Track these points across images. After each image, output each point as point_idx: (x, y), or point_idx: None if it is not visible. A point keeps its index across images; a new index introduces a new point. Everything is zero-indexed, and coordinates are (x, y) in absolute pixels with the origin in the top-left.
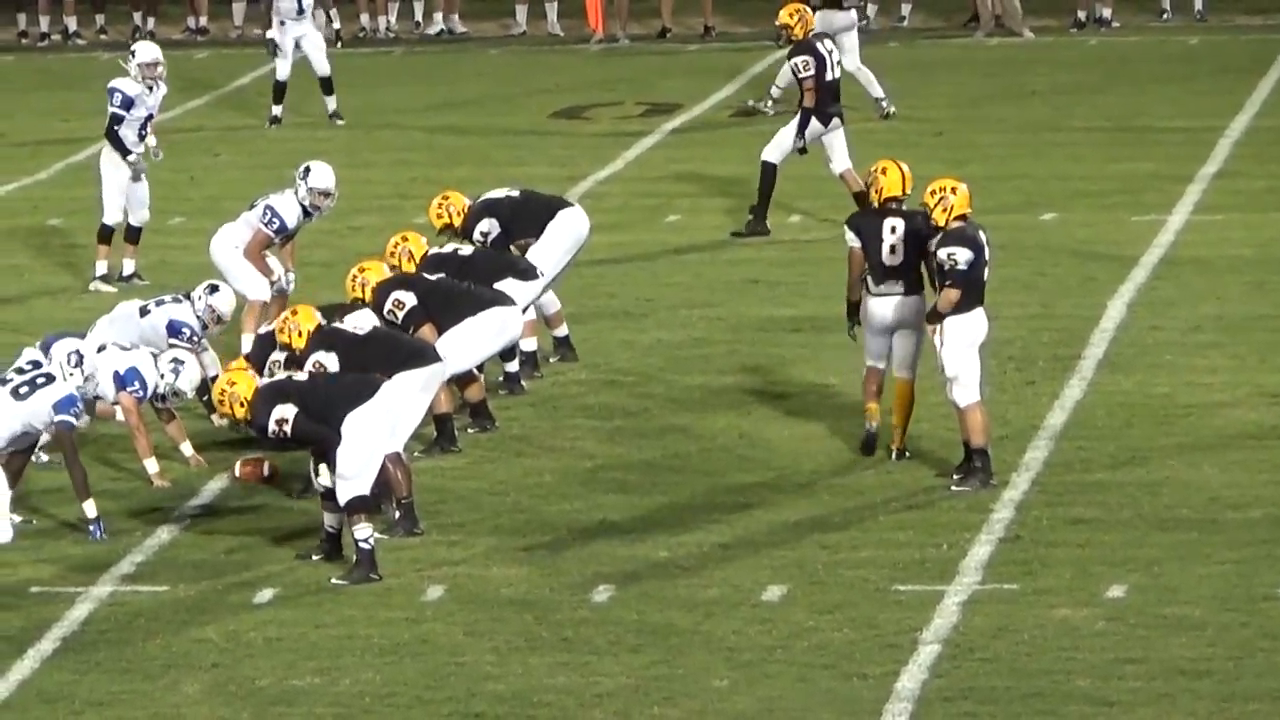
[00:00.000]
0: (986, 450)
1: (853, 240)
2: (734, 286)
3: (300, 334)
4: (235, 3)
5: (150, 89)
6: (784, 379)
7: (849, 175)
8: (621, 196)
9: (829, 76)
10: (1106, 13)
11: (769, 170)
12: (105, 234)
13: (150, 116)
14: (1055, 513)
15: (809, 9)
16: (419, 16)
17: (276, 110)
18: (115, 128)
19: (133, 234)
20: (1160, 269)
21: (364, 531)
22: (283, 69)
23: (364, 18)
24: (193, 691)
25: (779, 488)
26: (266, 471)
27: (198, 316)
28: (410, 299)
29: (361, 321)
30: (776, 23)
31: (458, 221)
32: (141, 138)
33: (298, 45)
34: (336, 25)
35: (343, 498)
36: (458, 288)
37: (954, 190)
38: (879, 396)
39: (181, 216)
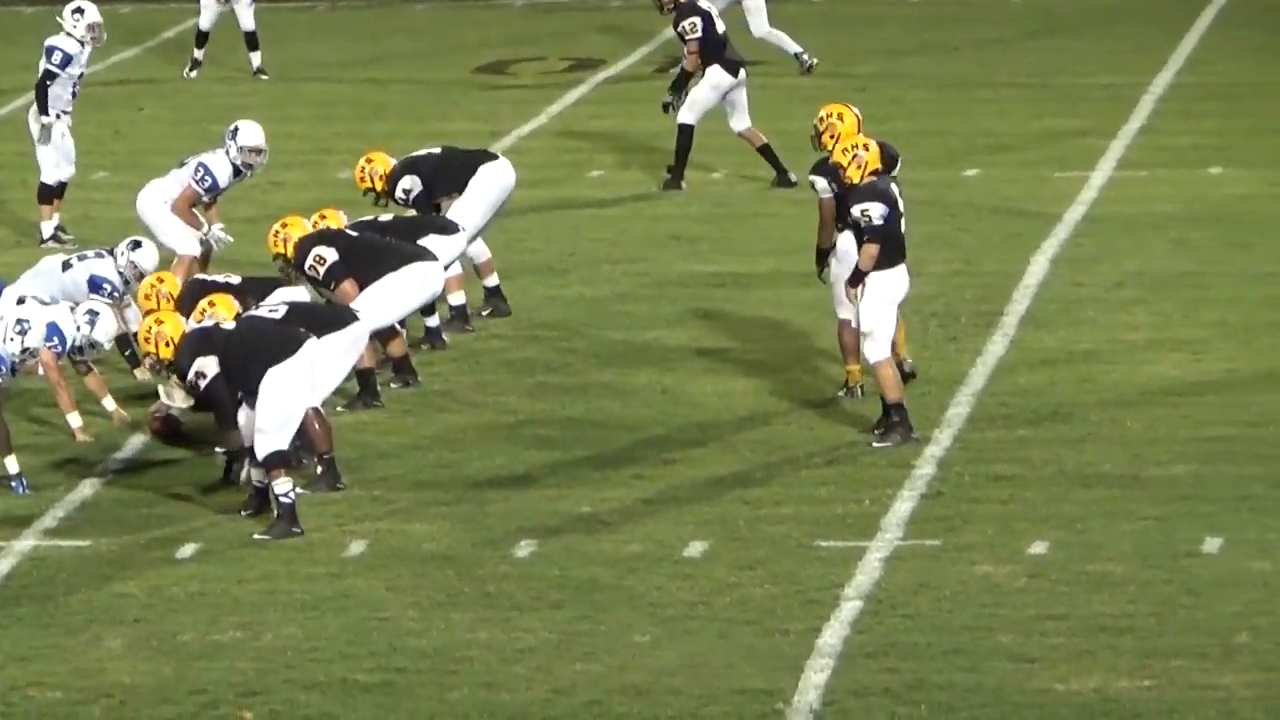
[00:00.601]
0: (902, 404)
1: (824, 190)
2: (657, 242)
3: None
4: None
5: (83, 46)
6: (706, 335)
7: (750, 133)
8: (544, 152)
9: (719, 29)
10: None
11: (686, 131)
12: (45, 193)
13: (81, 74)
14: (977, 469)
15: None
16: None
17: (198, 54)
18: (48, 84)
19: (58, 189)
20: (1083, 226)
21: (284, 486)
22: (206, 18)
23: None
24: (115, 646)
25: (701, 443)
26: (180, 423)
27: (120, 272)
28: (331, 254)
29: (276, 304)
30: None
31: (379, 186)
32: (74, 95)
33: None
34: None
35: (260, 452)
36: (379, 243)
37: (866, 147)
38: (858, 355)
39: (105, 171)
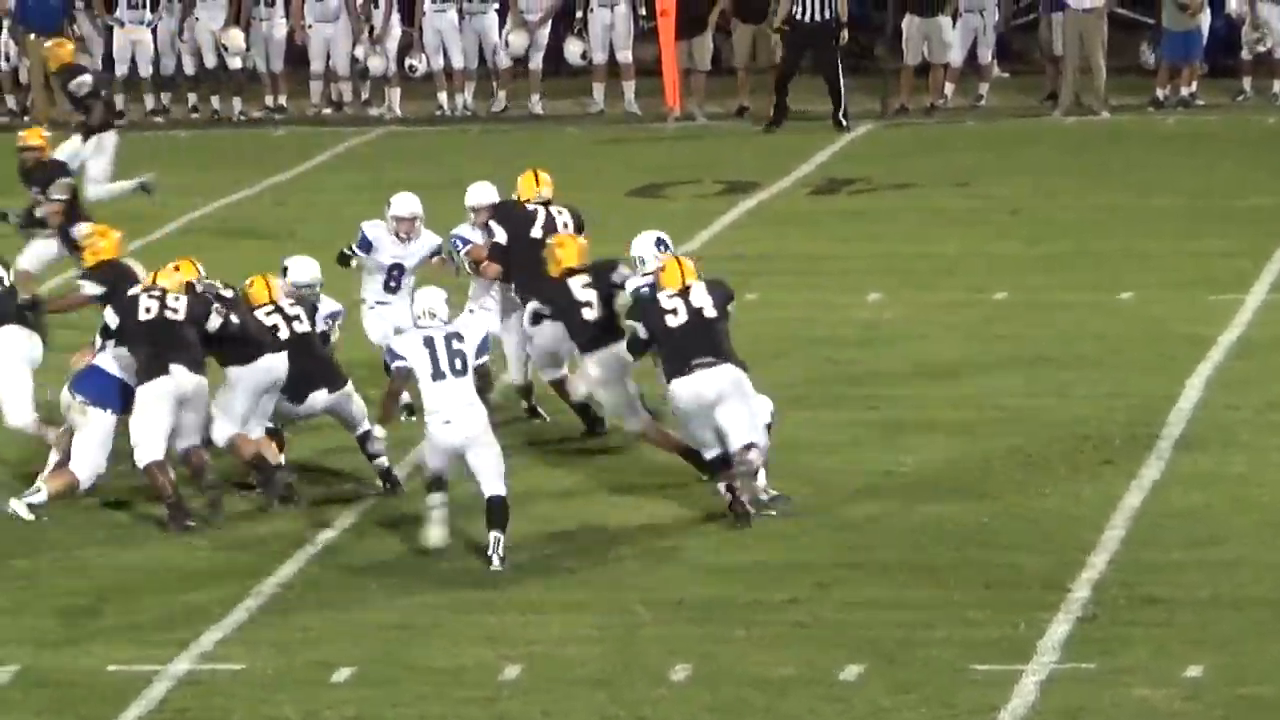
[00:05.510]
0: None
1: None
2: (811, 364)
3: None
4: (313, 81)
5: (404, 241)
6: (858, 459)
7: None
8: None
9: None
10: (1185, 91)
11: None
12: None
13: (402, 268)
14: (1132, 592)
15: None
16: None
17: None
18: (346, 253)
19: None
20: (1237, 348)
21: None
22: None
23: (441, 96)
24: None
25: (855, 566)
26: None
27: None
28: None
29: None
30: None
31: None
32: (388, 287)
33: None
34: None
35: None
36: None
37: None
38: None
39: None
